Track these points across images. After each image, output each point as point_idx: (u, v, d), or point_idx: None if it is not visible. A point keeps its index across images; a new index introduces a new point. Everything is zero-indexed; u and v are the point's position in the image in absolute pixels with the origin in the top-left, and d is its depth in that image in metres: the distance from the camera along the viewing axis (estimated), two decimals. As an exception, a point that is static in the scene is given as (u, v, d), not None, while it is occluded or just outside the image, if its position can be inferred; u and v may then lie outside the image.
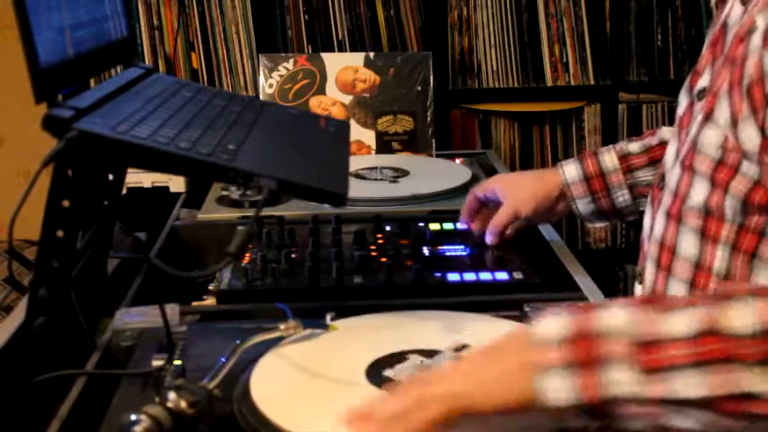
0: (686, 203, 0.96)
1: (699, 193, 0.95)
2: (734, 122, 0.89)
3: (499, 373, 0.72)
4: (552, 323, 0.72)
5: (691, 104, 1.00)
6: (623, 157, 1.27)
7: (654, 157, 1.25)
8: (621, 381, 0.68)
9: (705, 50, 1.01)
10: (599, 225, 1.35)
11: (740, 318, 0.67)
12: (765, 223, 0.90)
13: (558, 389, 0.69)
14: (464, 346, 0.92)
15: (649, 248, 1.03)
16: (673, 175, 1.00)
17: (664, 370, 0.68)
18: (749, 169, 0.89)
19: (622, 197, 1.27)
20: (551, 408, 0.70)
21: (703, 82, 0.98)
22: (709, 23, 1.08)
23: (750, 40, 0.89)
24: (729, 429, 0.69)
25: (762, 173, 0.89)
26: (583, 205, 1.29)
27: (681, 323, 0.69)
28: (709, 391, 0.67)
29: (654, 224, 1.04)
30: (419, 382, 0.75)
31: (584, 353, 0.69)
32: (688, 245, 0.96)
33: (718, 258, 0.93)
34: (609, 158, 1.27)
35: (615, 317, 0.70)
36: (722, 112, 0.91)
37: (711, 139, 0.93)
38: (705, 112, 0.95)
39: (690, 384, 0.67)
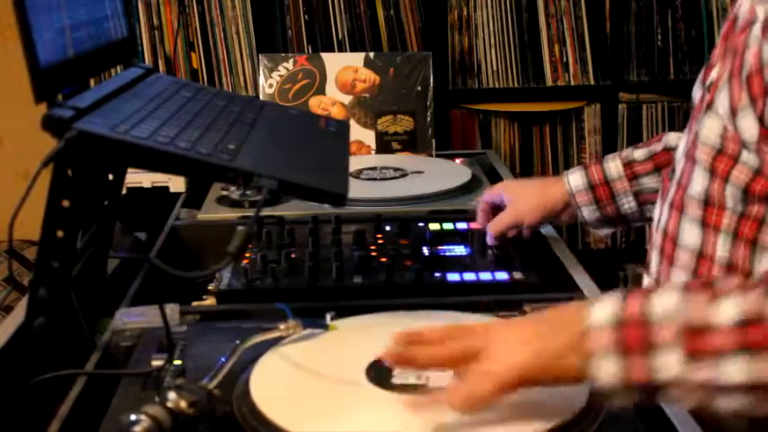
0: (687, 193, 0.97)
1: (699, 182, 0.95)
2: (733, 112, 0.90)
3: (560, 348, 0.75)
4: (607, 307, 0.75)
5: (702, 97, 1.00)
6: (628, 164, 1.26)
7: (659, 163, 1.24)
8: (669, 365, 0.71)
9: (718, 43, 1.01)
10: (605, 232, 1.34)
11: None
12: (766, 212, 0.90)
13: (610, 372, 0.73)
14: None
15: (655, 238, 1.04)
16: (680, 166, 1.01)
17: (709, 356, 0.71)
18: (749, 159, 0.90)
19: (628, 204, 1.26)
20: (604, 388, 0.74)
21: (714, 74, 0.98)
22: (720, 23, 1.09)
23: (751, 30, 0.89)
24: None
25: (761, 163, 0.89)
26: (588, 213, 1.29)
27: (729, 310, 0.71)
28: (751, 376, 0.70)
29: (661, 214, 1.04)
30: (480, 357, 0.78)
31: (635, 338, 0.72)
32: (690, 234, 0.97)
33: (720, 247, 0.94)
34: (614, 166, 1.27)
35: (667, 302, 0.73)
36: (722, 102, 0.92)
37: (711, 128, 0.94)
38: (707, 103, 0.95)
39: (734, 370, 0.70)
